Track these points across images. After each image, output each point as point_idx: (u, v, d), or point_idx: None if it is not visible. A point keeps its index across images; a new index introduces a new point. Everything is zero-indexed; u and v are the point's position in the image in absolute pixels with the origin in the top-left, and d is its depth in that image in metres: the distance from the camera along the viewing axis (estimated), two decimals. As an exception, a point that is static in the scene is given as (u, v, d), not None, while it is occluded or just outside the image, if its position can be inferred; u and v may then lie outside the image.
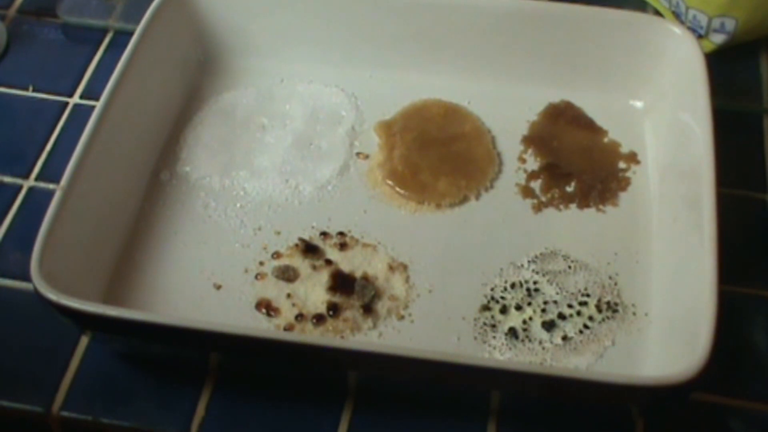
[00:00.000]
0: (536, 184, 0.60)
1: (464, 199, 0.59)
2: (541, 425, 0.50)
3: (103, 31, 0.69)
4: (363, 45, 0.64)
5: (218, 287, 0.54)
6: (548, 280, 0.54)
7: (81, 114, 0.64)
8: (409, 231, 0.57)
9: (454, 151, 0.61)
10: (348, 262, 0.55)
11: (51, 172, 0.60)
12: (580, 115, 0.63)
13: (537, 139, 0.62)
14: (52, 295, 0.47)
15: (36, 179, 0.61)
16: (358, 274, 0.55)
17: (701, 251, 0.49)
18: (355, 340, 0.52)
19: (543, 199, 0.59)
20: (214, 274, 0.55)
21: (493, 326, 0.53)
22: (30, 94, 0.66)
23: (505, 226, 0.57)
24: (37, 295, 0.48)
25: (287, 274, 0.54)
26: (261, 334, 0.49)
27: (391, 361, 0.46)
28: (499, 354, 0.52)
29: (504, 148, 0.61)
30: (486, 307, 0.53)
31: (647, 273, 0.55)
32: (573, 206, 0.58)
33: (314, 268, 0.55)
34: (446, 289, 0.54)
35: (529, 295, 0.54)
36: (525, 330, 0.52)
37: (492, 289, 0.54)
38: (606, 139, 0.62)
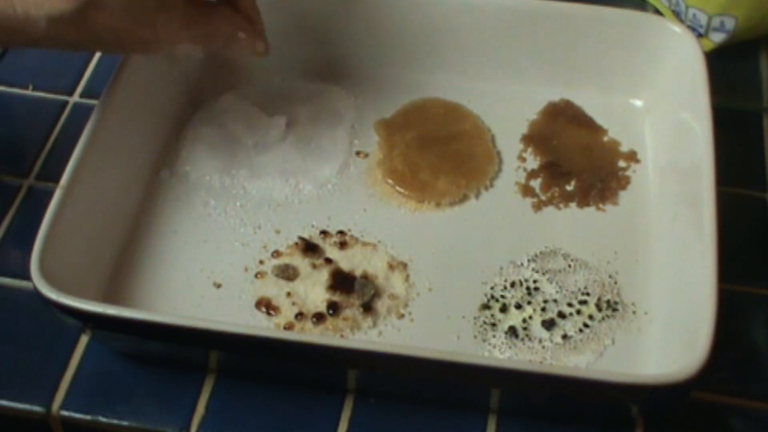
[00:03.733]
0: (536, 183, 0.60)
1: (464, 198, 0.59)
2: (540, 424, 0.50)
3: (103, 30, 0.69)
4: (363, 43, 0.64)
5: (218, 286, 0.54)
6: (548, 279, 0.54)
7: (81, 113, 0.63)
8: (408, 230, 0.57)
9: (454, 149, 0.61)
10: (348, 260, 0.55)
11: (51, 172, 0.60)
12: (580, 113, 0.63)
13: (537, 137, 0.62)
14: (52, 294, 0.47)
15: (36, 178, 0.61)
16: (358, 272, 0.55)
17: (701, 250, 0.49)
18: (355, 339, 0.52)
19: (543, 197, 0.59)
20: (214, 272, 0.55)
21: (493, 325, 0.53)
22: (30, 92, 0.66)
23: (504, 225, 0.57)
24: (37, 294, 0.48)
25: (287, 273, 0.54)
26: (261, 332, 0.49)
27: (391, 359, 0.46)
28: (499, 353, 0.52)
29: (504, 146, 0.61)
30: (486, 306, 0.53)
31: (647, 272, 0.55)
32: (573, 205, 0.58)
33: (314, 266, 0.55)
34: (446, 287, 0.54)
35: (529, 293, 0.54)
36: (525, 329, 0.52)
37: (492, 288, 0.54)
38: (606, 138, 0.62)
